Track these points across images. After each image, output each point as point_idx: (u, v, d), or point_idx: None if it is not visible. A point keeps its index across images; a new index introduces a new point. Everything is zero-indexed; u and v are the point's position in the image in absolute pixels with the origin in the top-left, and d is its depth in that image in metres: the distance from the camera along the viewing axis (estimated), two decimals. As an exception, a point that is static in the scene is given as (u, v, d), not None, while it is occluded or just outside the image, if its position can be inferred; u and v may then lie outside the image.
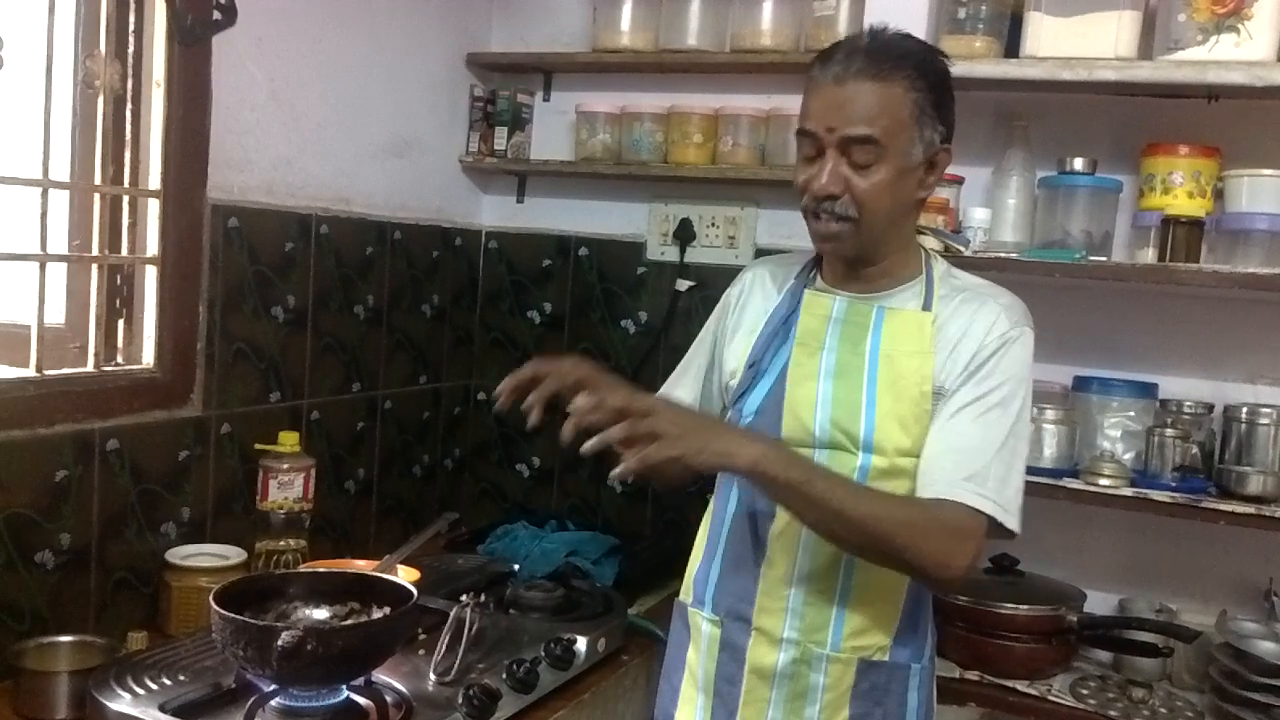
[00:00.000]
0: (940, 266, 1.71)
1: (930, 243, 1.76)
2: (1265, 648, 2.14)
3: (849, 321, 1.67)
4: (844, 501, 1.49)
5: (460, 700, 1.73)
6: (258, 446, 2.27)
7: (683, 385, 1.87)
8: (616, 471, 1.43)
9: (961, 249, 1.77)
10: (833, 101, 1.55)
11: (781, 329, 1.72)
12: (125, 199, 2.11)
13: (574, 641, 2.02)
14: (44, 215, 1.92)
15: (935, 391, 1.60)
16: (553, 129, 3.01)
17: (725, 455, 1.46)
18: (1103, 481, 2.21)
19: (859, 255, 1.64)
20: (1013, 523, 1.56)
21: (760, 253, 2.70)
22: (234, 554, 2.15)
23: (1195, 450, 2.25)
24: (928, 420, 1.59)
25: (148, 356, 2.13)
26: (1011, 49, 2.30)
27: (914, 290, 1.67)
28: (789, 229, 2.66)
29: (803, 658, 1.66)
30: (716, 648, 1.74)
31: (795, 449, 1.58)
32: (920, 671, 1.70)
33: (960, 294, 1.65)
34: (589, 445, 1.42)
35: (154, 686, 1.69)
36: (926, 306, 1.64)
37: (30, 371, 1.92)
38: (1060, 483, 2.23)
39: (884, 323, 1.65)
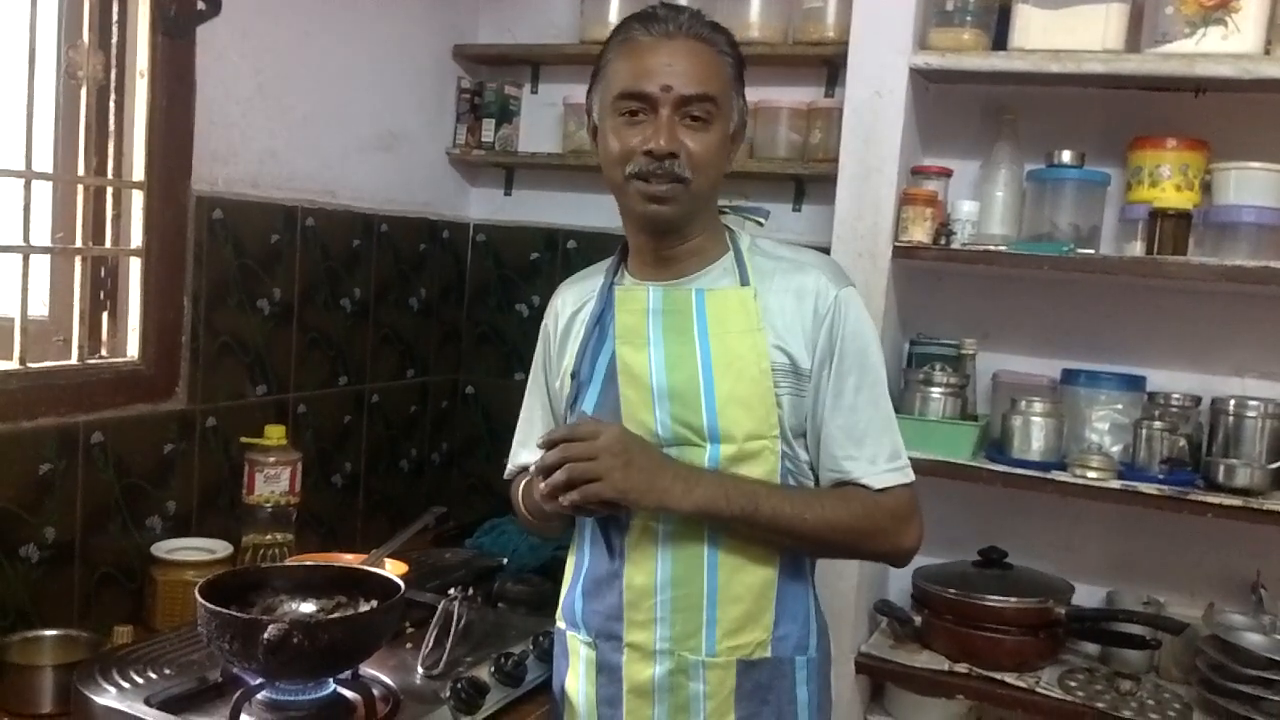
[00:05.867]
0: (745, 240, 1.66)
1: (732, 220, 1.71)
2: (1252, 640, 2.15)
3: (669, 311, 1.61)
4: (792, 519, 1.52)
5: (448, 693, 1.73)
6: (243, 440, 2.26)
7: (526, 451, 1.77)
8: (563, 499, 1.48)
9: (760, 221, 1.74)
10: (664, 60, 1.51)
11: (596, 329, 1.67)
12: (109, 190, 2.10)
13: (562, 635, 2.02)
14: (27, 207, 1.91)
15: (785, 369, 1.56)
16: (540, 121, 3.00)
17: (666, 504, 1.50)
18: (1090, 474, 2.21)
19: (680, 222, 1.57)
20: (913, 476, 1.63)
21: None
22: (220, 548, 2.13)
23: (1183, 443, 2.25)
24: (772, 399, 1.55)
25: (132, 349, 2.12)
26: (999, 42, 2.30)
27: (724, 267, 1.62)
28: (776, 221, 2.64)
29: (679, 668, 1.60)
30: (594, 671, 1.67)
31: (734, 473, 1.56)
32: (808, 664, 1.64)
33: (775, 263, 1.61)
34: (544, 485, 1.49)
35: (139, 680, 1.68)
36: (744, 282, 1.60)
37: (13, 364, 1.90)
38: (1048, 475, 2.23)
39: (706, 305, 1.59)
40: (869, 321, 1.61)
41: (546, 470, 1.49)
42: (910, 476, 1.61)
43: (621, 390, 1.61)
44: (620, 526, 1.62)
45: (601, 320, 1.67)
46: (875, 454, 1.57)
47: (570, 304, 1.74)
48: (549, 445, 1.50)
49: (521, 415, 1.85)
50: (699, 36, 1.54)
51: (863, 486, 1.57)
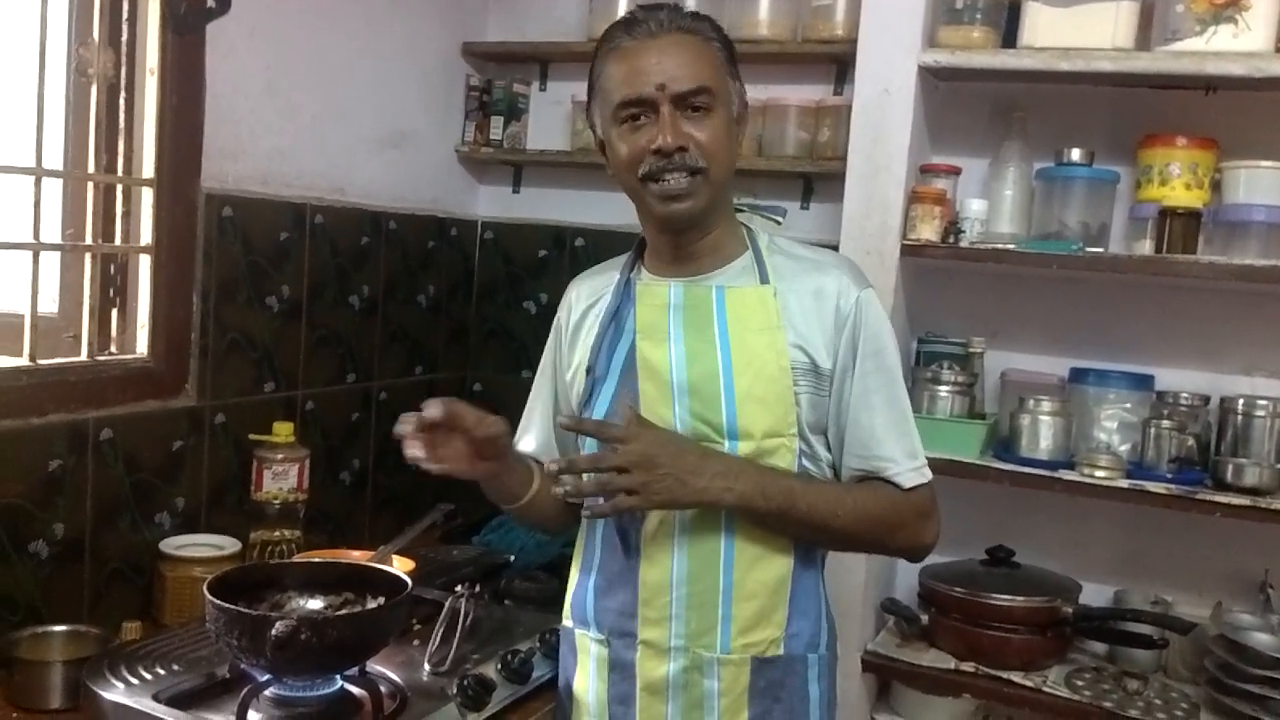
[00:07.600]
0: (763, 239, 1.66)
1: (748, 219, 1.72)
2: (1260, 640, 2.14)
3: (690, 307, 1.61)
4: (825, 516, 1.55)
5: (455, 690, 1.73)
6: (252, 437, 2.26)
7: (526, 438, 1.79)
8: (590, 508, 1.51)
9: (778, 220, 1.74)
10: (653, 60, 1.52)
11: (613, 324, 1.67)
12: (119, 188, 2.10)
13: (569, 632, 2.02)
14: (37, 204, 1.91)
15: (804, 368, 1.57)
16: (549, 119, 3.00)
17: (705, 503, 1.52)
18: (1099, 473, 2.21)
19: (703, 214, 1.57)
20: (930, 474, 1.65)
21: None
22: (228, 544, 2.14)
23: (1191, 442, 2.24)
24: (790, 397, 1.56)
25: (141, 346, 2.12)
26: (1009, 39, 2.30)
27: (743, 265, 1.63)
28: (785, 219, 2.65)
29: (693, 664, 1.60)
30: (606, 668, 1.67)
31: (771, 466, 1.56)
32: (819, 661, 1.65)
33: (795, 263, 1.62)
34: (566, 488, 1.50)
35: (148, 676, 1.69)
36: (764, 280, 1.60)
37: (24, 361, 1.91)
38: (1056, 474, 2.23)
39: (726, 302, 1.60)
40: (888, 322, 1.62)
41: (569, 470, 1.50)
42: (929, 475, 1.63)
43: (641, 385, 1.61)
44: (636, 523, 1.61)
45: (618, 315, 1.67)
46: (902, 453, 1.60)
47: (585, 298, 1.74)
48: (572, 431, 1.52)
49: (527, 405, 1.84)
50: (683, 29, 1.55)
51: (891, 483, 1.59)
